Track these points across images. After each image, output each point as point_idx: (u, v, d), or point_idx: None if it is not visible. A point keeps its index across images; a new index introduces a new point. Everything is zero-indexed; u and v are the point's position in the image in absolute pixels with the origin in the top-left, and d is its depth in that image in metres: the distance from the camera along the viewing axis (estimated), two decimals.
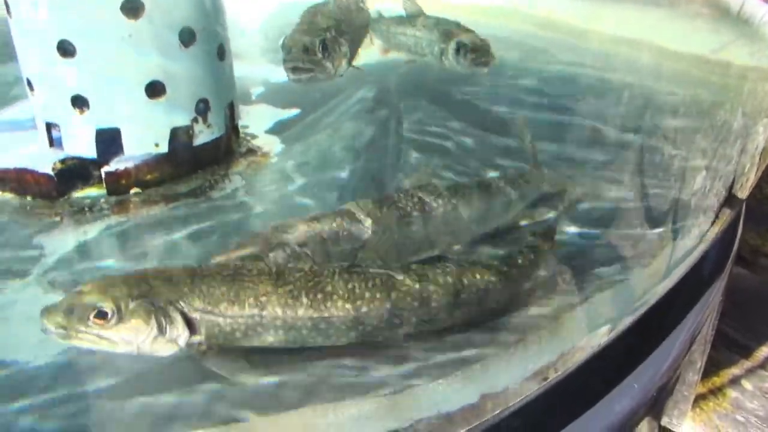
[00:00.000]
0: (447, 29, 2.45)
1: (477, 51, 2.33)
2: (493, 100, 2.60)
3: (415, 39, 2.56)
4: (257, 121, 2.48)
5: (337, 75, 2.08)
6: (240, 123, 2.34)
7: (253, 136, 2.37)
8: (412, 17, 2.63)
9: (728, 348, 2.96)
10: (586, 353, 1.26)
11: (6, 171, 1.94)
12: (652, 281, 1.45)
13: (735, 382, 2.86)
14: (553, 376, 1.21)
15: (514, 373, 1.24)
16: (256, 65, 2.98)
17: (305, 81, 2.04)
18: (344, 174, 2.09)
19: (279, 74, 2.27)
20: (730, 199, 1.76)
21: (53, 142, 2.01)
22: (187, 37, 1.95)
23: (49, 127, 2.00)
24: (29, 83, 1.97)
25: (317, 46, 1.95)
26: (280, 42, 2.00)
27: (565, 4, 3.40)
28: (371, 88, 2.72)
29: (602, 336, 1.30)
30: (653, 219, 1.71)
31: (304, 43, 1.95)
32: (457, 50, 2.33)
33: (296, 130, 2.39)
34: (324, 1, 2.26)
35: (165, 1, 1.88)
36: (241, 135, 2.34)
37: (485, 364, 1.22)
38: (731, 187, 1.76)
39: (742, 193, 1.82)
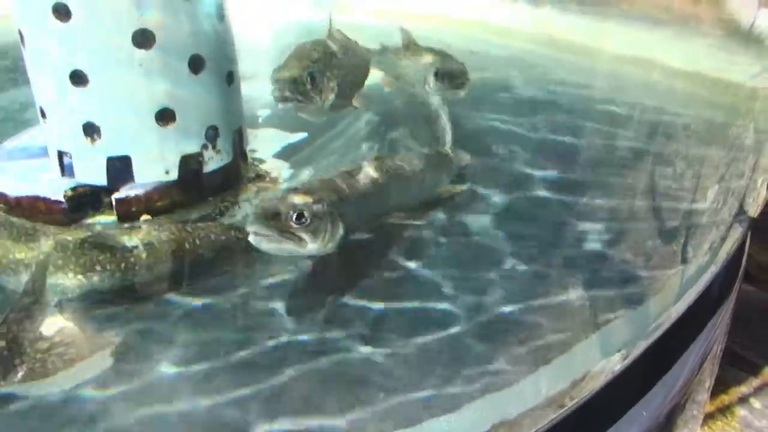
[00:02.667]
0: (428, 57, 2.59)
1: (454, 76, 2.49)
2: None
3: (404, 69, 2.70)
4: (265, 145, 2.49)
5: (324, 108, 2.13)
6: (248, 147, 2.36)
7: (261, 161, 2.39)
8: (405, 48, 2.74)
9: (736, 366, 2.96)
10: (600, 380, 1.26)
11: (19, 199, 1.96)
12: (664, 305, 1.46)
13: (743, 400, 2.86)
14: (568, 404, 1.21)
15: (527, 400, 1.24)
16: (262, 86, 2.99)
17: (295, 109, 2.12)
18: None
19: None
20: (740, 217, 1.77)
21: (65, 170, 2.03)
22: (197, 65, 1.97)
23: (61, 155, 2.02)
24: (42, 112, 1.99)
25: (305, 78, 2.00)
26: (272, 72, 2.04)
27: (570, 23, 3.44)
28: (378, 112, 2.74)
29: (615, 362, 1.30)
30: (664, 240, 1.72)
31: (292, 73, 2.01)
32: (436, 75, 2.47)
33: (304, 155, 2.41)
34: (318, 38, 2.33)
35: (175, 30, 1.90)
36: (249, 160, 2.35)
37: (498, 392, 1.22)
38: (741, 204, 1.76)
39: (753, 210, 1.83)
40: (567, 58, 3.38)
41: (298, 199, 1.57)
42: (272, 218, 1.50)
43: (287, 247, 1.51)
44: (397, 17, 3.88)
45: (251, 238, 1.49)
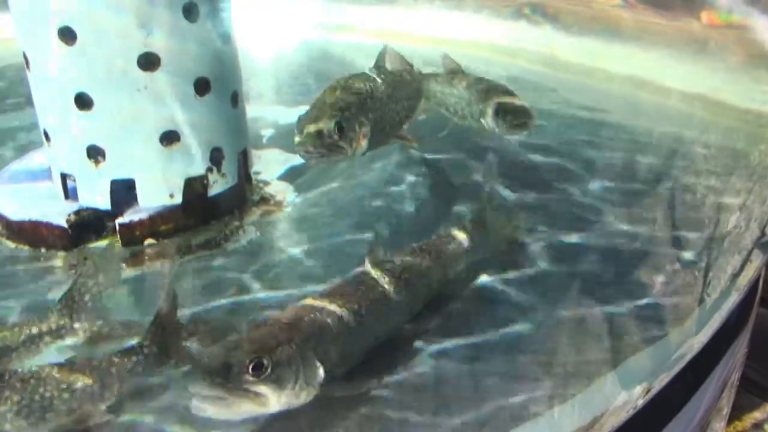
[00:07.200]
0: (486, 90, 2.33)
1: (516, 114, 2.20)
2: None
3: (455, 99, 2.43)
4: (269, 166, 2.45)
5: (356, 156, 1.90)
6: (252, 169, 2.33)
7: (266, 183, 2.35)
8: (452, 75, 2.50)
9: (749, 391, 2.90)
10: (621, 416, 1.22)
11: (22, 223, 1.93)
12: (685, 336, 1.42)
13: (758, 427, 2.79)
14: None
15: None
16: (266, 106, 2.98)
17: (319, 162, 1.94)
18: (357, 229, 2.06)
19: (289, 116, 2.25)
20: (760, 241, 1.73)
21: (68, 193, 2.00)
22: (202, 87, 1.95)
23: (65, 177, 1.99)
24: (46, 134, 1.97)
25: (333, 129, 1.77)
26: (296, 119, 1.81)
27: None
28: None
29: (637, 396, 1.26)
30: (687, 269, 1.68)
31: (318, 126, 1.78)
32: (496, 113, 2.21)
33: (309, 177, 2.36)
34: (357, 73, 2.07)
35: (181, 53, 1.88)
36: (254, 182, 2.32)
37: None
38: (763, 230, 1.73)
39: None
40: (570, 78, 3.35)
41: (255, 343, 1.23)
42: (220, 373, 1.16)
43: (242, 409, 1.18)
44: (397, 38, 3.87)
45: (192, 404, 1.15)
